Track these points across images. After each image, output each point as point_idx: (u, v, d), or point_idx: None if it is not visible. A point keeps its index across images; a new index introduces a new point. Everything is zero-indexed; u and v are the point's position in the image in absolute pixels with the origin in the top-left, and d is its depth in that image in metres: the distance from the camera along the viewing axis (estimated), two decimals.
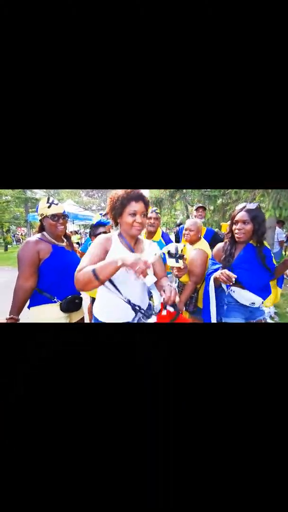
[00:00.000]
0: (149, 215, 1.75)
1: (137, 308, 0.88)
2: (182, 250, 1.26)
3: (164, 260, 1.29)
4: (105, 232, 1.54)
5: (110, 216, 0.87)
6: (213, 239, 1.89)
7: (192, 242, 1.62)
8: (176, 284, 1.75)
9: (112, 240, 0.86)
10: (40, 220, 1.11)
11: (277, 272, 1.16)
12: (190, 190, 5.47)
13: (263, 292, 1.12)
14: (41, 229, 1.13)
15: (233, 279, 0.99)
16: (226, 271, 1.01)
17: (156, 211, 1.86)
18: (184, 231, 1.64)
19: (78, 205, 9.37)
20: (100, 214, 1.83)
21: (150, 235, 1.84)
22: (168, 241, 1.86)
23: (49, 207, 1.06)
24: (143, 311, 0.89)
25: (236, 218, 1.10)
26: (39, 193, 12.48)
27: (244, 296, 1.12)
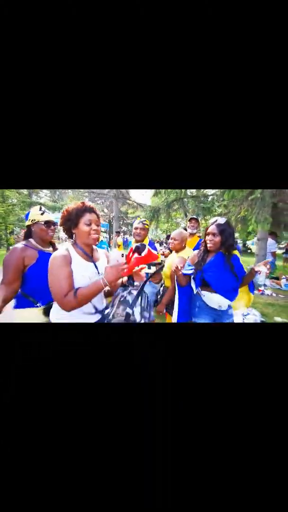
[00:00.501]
0: (136, 225, 1.89)
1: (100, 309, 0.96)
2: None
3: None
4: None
5: (64, 228, 0.94)
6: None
7: (177, 251, 1.80)
8: (162, 288, 1.91)
9: (69, 253, 0.88)
10: (28, 226, 1.15)
11: (245, 280, 1.32)
12: (187, 199, 5.69)
13: (230, 296, 1.29)
14: (27, 236, 1.18)
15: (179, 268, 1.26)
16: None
17: (144, 222, 1.95)
18: (169, 240, 1.83)
19: None
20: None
21: None
22: (154, 250, 2.04)
23: (42, 214, 1.14)
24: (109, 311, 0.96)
25: (208, 231, 1.29)
26: (44, 198, 12.87)
27: (212, 299, 1.29)
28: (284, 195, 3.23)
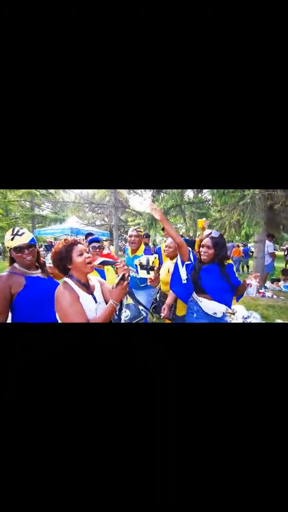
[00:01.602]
0: (130, 233, 2.00)
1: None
2: (153, 262, 1.36)
3: (136, 270, 1.46)
4: (99, 247, 1.72)
5: (59, 269, 0.96)
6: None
7: (171, 258, 1.88)
8: (158, 294, 1.97)
9: (74, 290, 0.92)
10: (10, 254, 1.07)
11: (238, 290, 1.39)
12: (184, 206, 5.81)
13: (225, 303, 1.36)
14: (12, 261, 1.08)
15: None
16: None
17: (137, 229, 2.06)
18: (164, 248, 1.91)
19: (81, 221, 9.86)
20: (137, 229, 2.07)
21: (134, 251, 2.06)
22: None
23: (12, 239, 1.02)
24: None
25: (202, 243, 1.35)
26: (46, 210, 13.21)
27: (208, 306, 1.34)
28: (277, 197, 3.31)
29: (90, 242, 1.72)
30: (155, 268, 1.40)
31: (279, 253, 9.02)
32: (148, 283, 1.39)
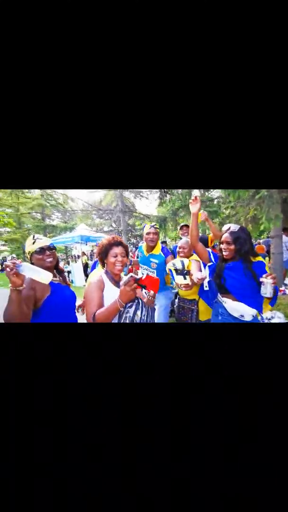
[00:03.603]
0: (148, 230, 1.93)
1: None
2: (188, 266, 1.29)
3: (172, 276, 1.36)
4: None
5: (99, 259, 1.11)
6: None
7: (186, 257, 1.80)
8: (177, 298, 1.88)
9: (103, 279, 1.04)
10: (30, 259, 1.07)
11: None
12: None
13: (254, 305, 1.21)
14: None
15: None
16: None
17: (155, 226, 1.99)
18: (178, 249, 1.82)
19: (91, 229, 10.02)
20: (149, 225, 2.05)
21: (150, 249, 1.98)
22: (167, 254, 1.97)
23: (33, 243, 1.05)
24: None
25: (221, 239, 1.25)
26: (56, 220, 13.62)
27: (233, 307, 1.23)
28: None
29: None
30: (191, 273, 1.30)
31: None
32: (183, 289, 1.28)
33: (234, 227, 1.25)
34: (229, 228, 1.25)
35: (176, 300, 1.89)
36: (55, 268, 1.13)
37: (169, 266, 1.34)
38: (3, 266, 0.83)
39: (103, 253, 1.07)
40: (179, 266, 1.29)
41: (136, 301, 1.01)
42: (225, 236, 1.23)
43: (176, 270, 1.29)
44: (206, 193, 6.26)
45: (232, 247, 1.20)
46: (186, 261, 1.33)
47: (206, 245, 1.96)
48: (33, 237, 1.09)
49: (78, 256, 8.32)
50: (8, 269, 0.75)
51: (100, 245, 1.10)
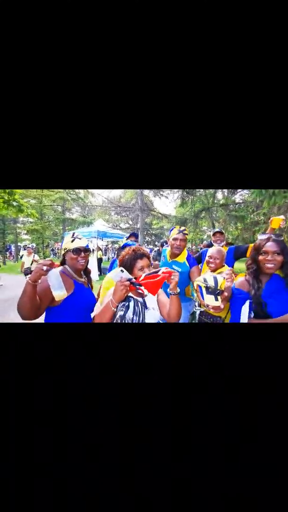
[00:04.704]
0: (176, 236, 1.68)
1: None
2: (221, 285, 1.07)
3: (201, 293, 1.13)
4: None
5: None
6: (235, 253, 1.80)
7: (215, 270, 1.59)
8: (198, 312, 1.70)
9: None
10: (63, 255, 1.11)
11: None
12: (216, 208, 5.39)
13: None
14: (63, 263, 1.10)
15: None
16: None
17: (184, 231, 1.72)
18: (208, 259, 1.60)
19: (108, 224, 10.11)
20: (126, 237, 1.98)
21: (174, 256, 1.75)
22: (192, 264, 1.73)
23: (72, 241, 1.06)
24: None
25: (265, 249, 1.03)
26: (75, 214, 13.98)
27: None
28: None
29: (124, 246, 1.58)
30: (225, 294, 1.06)
31: None
32: (213, 312, 1.07)
33: (277, 235, 1.04)
34: (270, 237, 1.04)
35: (197, 314, 1.71)
36: (84, 269, 1.13)
37: (199, 281, 1.13)
38: (38, 262, 0.88)
39: (127, 267, 0.98)
40: (211, 284, 1.08)
41: (127, 303, 0.91)
42: (271, 245, 1.01)
43: (207, 287, 1.08)
44: (232, 196, 5.87)
45: (280, 258, 0.99)
46: (220, 278, 1.10)
47: (245, 254, 1.70)
48: (73, 235, 1.09)
49: (93, 250, 8.46)
50: (44, 267, 0.79)
51: (121, 258, 1.00)
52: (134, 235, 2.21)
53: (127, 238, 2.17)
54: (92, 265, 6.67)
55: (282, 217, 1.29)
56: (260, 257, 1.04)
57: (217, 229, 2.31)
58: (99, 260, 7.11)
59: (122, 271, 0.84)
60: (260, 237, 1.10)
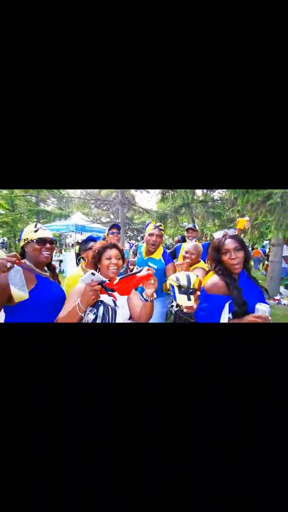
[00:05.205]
0: (151, 231, 1.64)
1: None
2: (194, 283, 1.00)
3: (173, 292, 1.07)
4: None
5: (92, 265, 1.02)
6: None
7: (191, 265, 1.61)
8: (176, 308, 1.72)
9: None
10: (22, 247, 1.00)
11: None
12: (195, 204, 5.54)
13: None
14: (22, 257, 0.99)
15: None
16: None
17: (160, 227, 1.68)
18: (184, 254, 1.59)
19: (87, 218, 9.70)
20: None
21: (150, 252, 1.71)
22: (168, 261, 1.69)
23: (35, 231, 0.98)
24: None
25: (225, 247, 0.97)
26: (51, 206, 13.10)
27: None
28: None
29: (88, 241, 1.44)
30: (198, 293, 1.00)
31: None
32: (186, 311, 1.00)
33: (232, 231, 1.01)
34: (226, 233, 1.00)
35: (174, 306, 1.73)
36: (48, 264, 1.05)
37: (171, 280, 1.06)
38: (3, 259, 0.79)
39: (96, 257, 0.99)
40: (184, 283, 1.00)
41: (96, 309, 0.85)
42: (230, 243, 0.95)
43: (179, 287, 1.00)
44: (209, 192, 6.09)
45: (241, 254, 0.95)
46: (193, 276, 1.03)
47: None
48: (36, 225, 1.01)
49: (72, 245, 8.06)
50: (8, 264, 0.74)
51: (93, 249, 1.02)
52: (115, 226, 2.06)
53: (109, 229, 2.03)
54: (70, 261, 6.35)
55: (246, 218, 1.38)
56: (224, 258, 0.99)
57: (190, 225, 2.31)
58: (77, 256, 6.83)
59: (93, 273, 0.78)
60: (216, 235, 1.05)
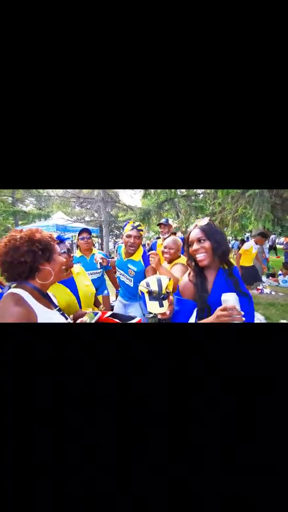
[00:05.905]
0: (129, 232, 1.49)
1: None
2: (167, 287, 0.89)
3: (143, 300, 0.93)
4: (67, 251, 1.18)
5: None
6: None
7: (171, 261, 1.55)
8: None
9: (27, 303, 0.74)
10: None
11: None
12: (178, 199, 5.58)
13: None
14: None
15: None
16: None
17: (139, 227, 1.51)
18: (163, 249, 1.50)
19: (69, 218, 9.31)
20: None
21: (129, 254, 1.57)
22: (148, 263, 1.51)
23: None
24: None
25: (190, 240, 0.88)
26: (30, 206, 12.36)
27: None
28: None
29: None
30: (170, 298, 0.88)
31: (279, 246, 9.03)
32: (160, 317, 0.87)
33: (203, 221, 0.91)
34: (196, 225, 0.90)
35: (151, 314, 1.63)
36: None
37: (141, 286, 0.92)
38: None
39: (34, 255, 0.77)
40: (155, 288, 0.86)
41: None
42: (195, 233, 0.85)
43: (149, 293, 0.86)
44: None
45: (207, 244, 0.83)
46: (164, 280, 0.90)
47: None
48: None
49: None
50: None
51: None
52: (86, 230, 1.83)
53: (78, 234, 1.80)
54: None
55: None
56: (190, 250, 0.88)
57: (162, 221, 2.15)
58: None
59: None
60: (190, 228, 0.96)
